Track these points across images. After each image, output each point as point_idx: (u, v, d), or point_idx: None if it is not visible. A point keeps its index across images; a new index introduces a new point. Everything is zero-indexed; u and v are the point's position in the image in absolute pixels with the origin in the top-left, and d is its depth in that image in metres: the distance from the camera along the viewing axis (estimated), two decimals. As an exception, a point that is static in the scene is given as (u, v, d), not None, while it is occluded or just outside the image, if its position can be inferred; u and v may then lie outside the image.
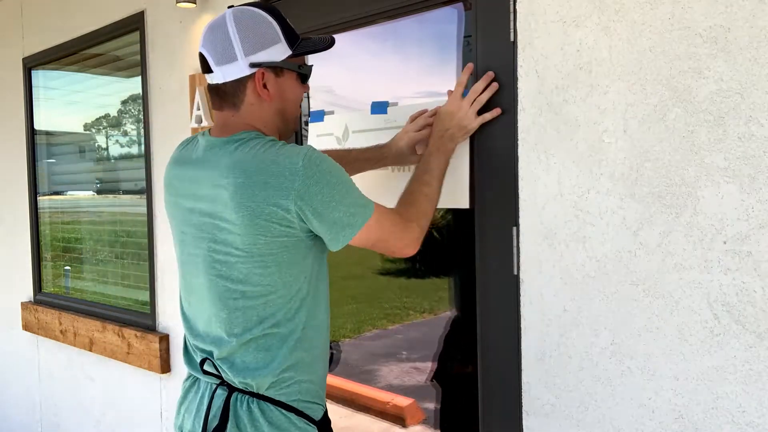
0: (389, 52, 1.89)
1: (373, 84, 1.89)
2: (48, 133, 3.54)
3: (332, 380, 2.10)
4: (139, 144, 2.97)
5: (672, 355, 1.26)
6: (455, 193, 1.58)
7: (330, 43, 1.39)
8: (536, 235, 1.45)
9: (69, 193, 3.51)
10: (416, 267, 1.97)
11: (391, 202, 1.40)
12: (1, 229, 3.86)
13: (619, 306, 1.33)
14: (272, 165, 1.21)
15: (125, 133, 3.14)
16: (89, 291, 3.29)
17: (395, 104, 1.72)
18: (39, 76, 3.51)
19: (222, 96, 1.33)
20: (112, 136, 3.22)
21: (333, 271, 2.13)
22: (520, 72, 1.46)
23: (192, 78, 2.40)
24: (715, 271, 1.20)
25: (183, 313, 1.44)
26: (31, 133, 3.54)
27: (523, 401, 1.50)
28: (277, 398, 1.28)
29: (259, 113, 1.33)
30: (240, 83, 1.30)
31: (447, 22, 1.70)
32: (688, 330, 1.24)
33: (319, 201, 1.21)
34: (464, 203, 1.57)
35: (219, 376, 1.33)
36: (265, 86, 1.31)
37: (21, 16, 3.52)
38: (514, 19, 1.48)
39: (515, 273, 1.50)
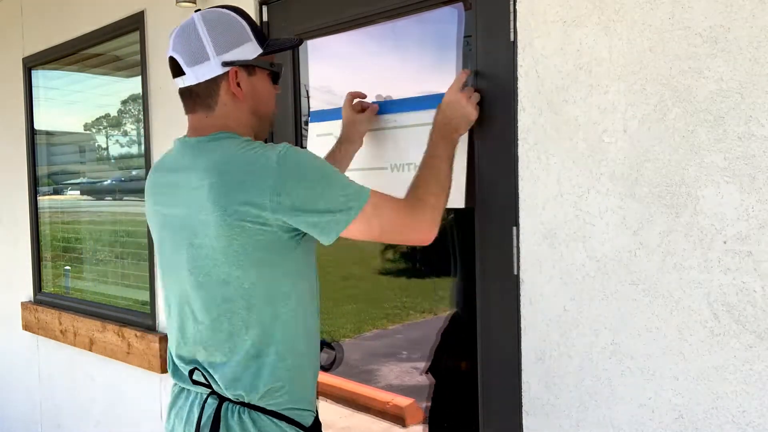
0: (389, 51, 1.89)
1: (373, 84, 1.89)
2: (48, 133, 3.54)
3: (332, 380, 2.10)
4: (139, 144, 2.97)
5: (672, 355, 1.26)
6: (450, 192, 1.56)
7: (298, 43, 1.41)
8: (536, 235, 1.45)
9: (69, 192, 3.51)
10: (416, 267, 1.97)
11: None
12: (1, 229, 3.86)
13: (619, 306, 1.33)
14: (246, 164, 1.20)
15: (125, 133, 3.14)
16: (89, 291, 3.29)
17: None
18: (39, 76, 3.51)
19: (195, 98, 1.32)
20: (112, 136, 3.22)
21: (333, 270, 2.12)
22: (520, 72, 1.46)
23: (192, 78, 2.40)
24: (715, 271, 1.20)
25: (168, 323, 1.42)
26: (31, 133, 3.54)
27: (523, 401, 1.50)
28: (268, 408, 1.27)
29: (233, 113, 1.32)
30: (213, 83, 1.30)
31: (447, 22, 1.70)
32: (688, 330, 1.24)
33: (298, 195, 1.18)
34: (459, 202, 1.56)
35: (209, 386, 1.31)
36: (238, 85, 1.31)
37: (21, 16, 3.52)
38: (514, 19, 1.48)
39: (515, 273, 1.50)
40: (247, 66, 1.32)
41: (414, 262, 1.98)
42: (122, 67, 2.98)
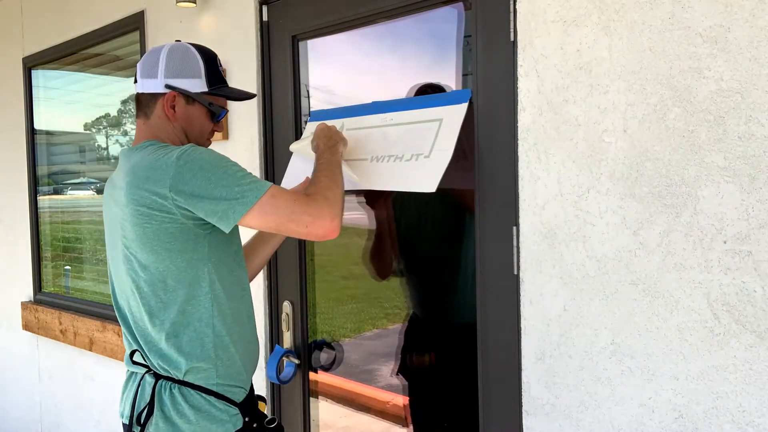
0: (389, 51, 1.90)
1: (372, 84, 1.89)
2: (48, 133, 3.54)
3: (332, 380, 2.10)
4: (139, 144, 2.96)
5: (672, 355, 1.26)
6: (425, 176, 1.48)
7: (248, 96, 1.58)
8: (536, 235, 1.45)
9: (69, 192, 3.51)
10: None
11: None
12: (1, 228, 3.86)
13: (619, 306, 1.33)
14: (154, 161, 1.37)
15: (125, 133, 3.14)
16: (89, 291, 3.29)
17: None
18: (39, 76, 3.51)
19: (139, 104, 1.54)
20: (112, 135, 3.22)
21: (333, 270, 2.13)
22: (520, 72, 1.46)
23: (192, 78, 2.40)
24: (715, 271, 1.20)
25: (117, 315, 1.55)
26: (31, 132, 3.54)
27: (523, 401, 1.50)
28: (196, 383, 1.40)
29: (163, 126, 1.51)
30: (153, 97, 1.51)
31: (447, 22, 1.70)
32: (688, 330, 1.24)
33: (195, 184, 1.32)
34: (431, 187, 1.45)
35: (146, 366, 1.45)
36: (173, 108, 1.49)
37: (21, 16, 3.52)
38: (514, 18, 1.48)
39: (515, 273, 1.50)
40: (187, 96, 1.50)
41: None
42: (122, 67, 2.98)
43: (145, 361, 1.46)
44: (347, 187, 1.60)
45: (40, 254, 3.55)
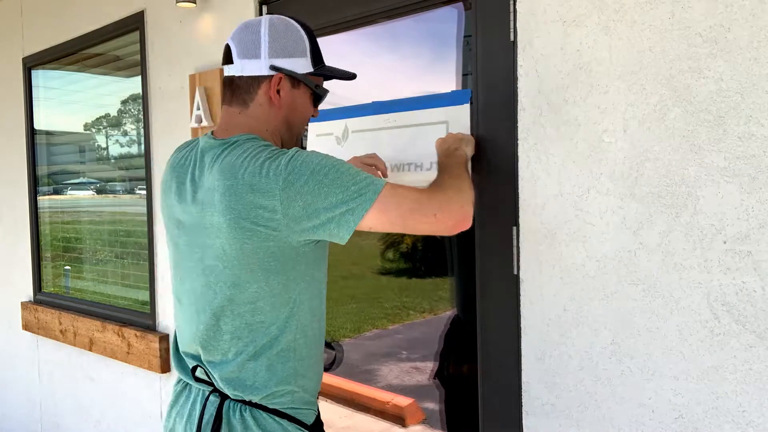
0: (389, 51, 1.90)
1: (372, 84, 1.89)
2: (48, 133, 3.54)
3: (332, 380, 2.10)
4: (139, 144, 2.97)
5: (672, 355, 1.26)
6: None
7: (352, 77, 1.42)
8: (536, 235, 1.45)
9: (69, 192, 3.51)
10: (416, 267, 1.97)
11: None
12: (1, 228, 3.86)
13: (619, 306, 1.33)
14: (259, 167, 1.20)
15: (125, 133, 3.14)
16: (89, 291, 3.29)
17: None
18: (39, 76, 3.51)
19: (234, 90, 1.33)
20: (112, 136, 3.22)
21: (333, 270, 2.13)
22: (520, 72, 1.46)
23: (192, 78, 2.40)
24: (715, 271, 1.20)
25: (175, 318, 1.44)
26: (31, 132, 3.54)
27: (523, 401, 1.50)
28: (270, 407, 1.28)
29: (265, 116, 1.33)
30: (255, 80, 1.31)
31: (447, 21, 1.70)
32: (688, 330, 1.24)
33: (309, 191, 1.17)
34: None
35: (211, 383, 1.33)
36: (278, 92, 1.31)
37: (21, 16, 3.52)
38: (514, 18, 1.48)
39: (515, 273, 1.50)
40: (293, 78, 1.33)
41: (414, 262, 1.98)
42: (122, 67, 2.98)
43: (209, 378, 1.32)
44: None
45: (40, 254, 3.55)
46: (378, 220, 1.20)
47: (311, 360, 1.33)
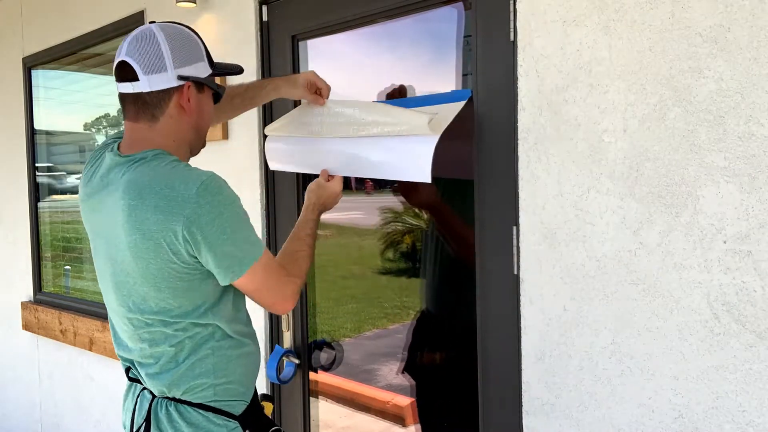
0: (388, 51, 1.89)
1: (372, 84, 1.89)
2: (48, 133, 3.54)
3: (332, 380, 2.10)
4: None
5: (672, 355, 1.26)
6: (416, 165, 1.46)
7: (239, 70, 1.45)
8: (536, 234, 1.45)
9: (69, 192, 3.51)
10: (416, 267, 1.97)
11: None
12: (1, 229, 3.86)
13: (619, 306, 1.33)
14: (166, 188, 1.22)
15: (125, 133, 3.14)
16: (89, 290, 3.29)
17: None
18: (39, 76, 3.51)
19: (142, 106, 1.32)
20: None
21: (333, 270, 2.12)
22: (520, 71, 1.46)
23: (192, 78, 2.40)
24: (715, 271, 1.20)
25: (109, 321, 1.49)
26: (31, 133, 3.54)
27: (523, 401, 1.50)
28: (194, 401, 1.34)
29: (176, 126, 1.34)
30: (166, 94, 1.31)
31: (447, 21, 1.70)
32: (688, 329, 1.24)
33: (210, 230, 1.22)
34: (425, 177, 1.44)
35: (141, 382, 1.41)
36: (188, 100, 1.33)
37: (21, 16, 3.52)
38: (514, 18, 1.48)
39: (515, 273, 1.50)
40: (198, 83, 1.34)
41: (414, 262, 1.98)
42: (122, 67, 2.97)
43: (139, 377, 1.41)
44: (338, 172, 1.61)
45: (40, 254, 3.55)
46: (243, 282, 1.29)
47: (231, 357, 1.38)
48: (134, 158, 1.30)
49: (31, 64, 3.47)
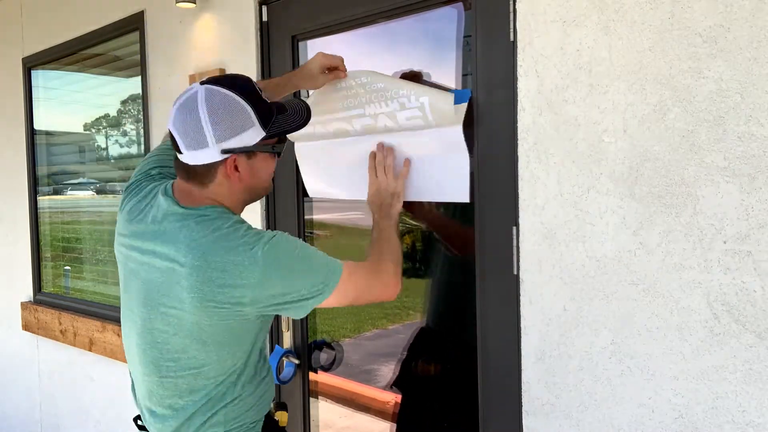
0: (388, 51, 1.89)
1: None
2: (48, 133, 3.54)
3: (332, 380, 2.10)
4: (139, 144, 2.97)
5: (672, 355, 1.26)
6: (455, 188, 1.57)
7: (306, 119, 1.37)
8: (536, 235, 1.45)
9: (69, 192, 3.51)
10: (416, 267, 1.97)
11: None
12: (1, 229, 3.86)
13: (619, 306, 1.33)
14: (232, 252, 1.21)
15: (125, 133, 3.14)
16: (89, 291, 3.29)
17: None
18: (39, 76, 3.51)
19: (190, 172, 1.30)
20: (112, 136, 3.22)
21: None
22: (520, 72, 1.46)
23: (192, 78, 2.40)
24: (715, 271, 1.20)
25: (128, 361, 1.47)
26: (31, 133, 3.54)
27: (523, 401, 1.50)
28: None
29: (227, 191, 1.31)
30: (211, 166, 1.27)
31: (447, 21, 1.70)
32: (688, 330, 1.24)
33: (281, 284, 1.23)
34: (464, 197, 1.57)
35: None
36: (236, 168, 1.29)
37: (21, 16, 3.52)
38: (514, 18, 1.48)
39: (515, 273, 1.50)
40: (248, 152, 1.29)
41: (414, 262, 1.98)
42: (122, 67, 2.98)
43: (148, 427, 1.42)
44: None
45: (39, 254, 3.55)
46: (336, 301, 1.32)
47: (251, 401, 1.37)
48: (194, 213, 1.27)
49: (31, 64, 3.47)
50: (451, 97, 1.52)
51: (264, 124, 1.28)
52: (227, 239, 1.22)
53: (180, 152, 1.28)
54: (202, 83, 1.28)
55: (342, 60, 1.67)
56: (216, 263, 1.20)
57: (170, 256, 1.25)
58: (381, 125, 1.64)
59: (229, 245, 1.21)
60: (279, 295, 1.24)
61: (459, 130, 1.52)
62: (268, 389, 1.44)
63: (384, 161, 1.62)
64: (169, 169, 1.47)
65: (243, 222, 1.29)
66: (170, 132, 1.29)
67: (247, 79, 1.32)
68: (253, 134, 1.27)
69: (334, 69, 1.65)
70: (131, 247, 1.35)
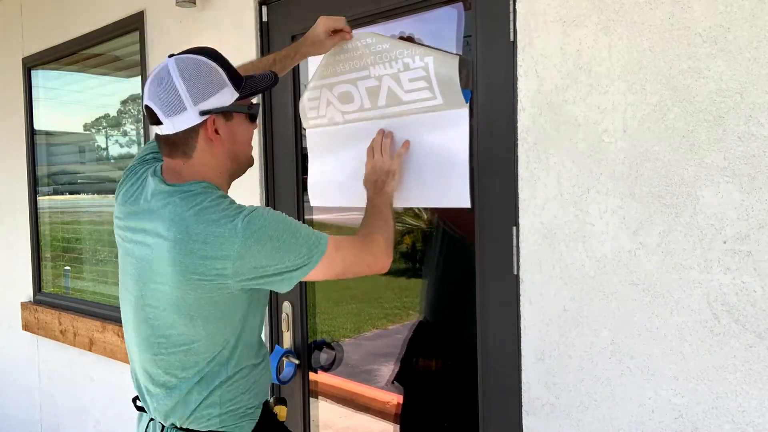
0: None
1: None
2: (48, 133, 3.54)
3: (332, 380, 2.10)
4: (139, 144, 2.97)
5: (672, 355, 1.26)
6: (455, 193, 1.58)
7: (274, 81, 1.39)
8: (536, 235, 1.45)
9: (69, 193, 3.51)
10: (416, 267, 1.97)
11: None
12: (1, 229, 3.86)
13: (619, 306, 1.33)
14: (213, 224, 1.23)
15: (125, 133, 3.14)
16: (89, 291, 3.29)
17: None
18: (39, 76, 3.51)
19: (172, 145, 1.32)
20: (112, 136, 3.22)
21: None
22: (520, 72, 1.46)
23: (192, 78, 2.40)
24: (715, 271, 1.20)
25: (125, 337, 1.49)
26: (31, 133, 3.54)
27: (523, 401, 1.50)
28: (199, 429, 1.35)
29: (210, 158, 1.33)
30: (191, 132, 1.30)
31: (447, 21, 1.70)
32: (688, 330, 1.24)
33: (263, 256, 1.23)
34: (465, 202, 1.57)
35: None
36: (216, 131, 1.31)
37: (21, 16, 3.52)
38: (514, 18, 1.48)
39: (515, 273, 1.50)
40: (225, 112, 1.32)
41: (414, 262, 1.98)
42: (122, 67, 2.98)
43: (146, 407, 1.43)
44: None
45: (39, 254, 3.55)
46: (323, 273, 1.32)
47: (242, 386, 1.37)
48: (179, 189, 1.30)
49: (31, 64, 3.47)
50: (455, 59, 1.53)
51: (236, 85, 1.33)
52: (209, 212, 1.24)
53: (160, 123, 1.30)
54: (170, 56, 1.31)
55: (345, 20, 1.69)
56: (197, 235, 1.22)
57: (156, 231, 1.28)
58: (384, 87, 1.65)
59: (211, 218, 1.23)
60: (261, 267, 1.24)
61: (465, 113, 1.55)
62: (264, 375, 1.45)
63: (381, 141, 1.64)
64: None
65: (226, 197, 1.31)
66: (147, 107, 1.30)
67: (214, 49, 1.36)
68: (228, 94, 1.31)
69: (338, 31, 1.68)
70: (126, 228, 1.39)
